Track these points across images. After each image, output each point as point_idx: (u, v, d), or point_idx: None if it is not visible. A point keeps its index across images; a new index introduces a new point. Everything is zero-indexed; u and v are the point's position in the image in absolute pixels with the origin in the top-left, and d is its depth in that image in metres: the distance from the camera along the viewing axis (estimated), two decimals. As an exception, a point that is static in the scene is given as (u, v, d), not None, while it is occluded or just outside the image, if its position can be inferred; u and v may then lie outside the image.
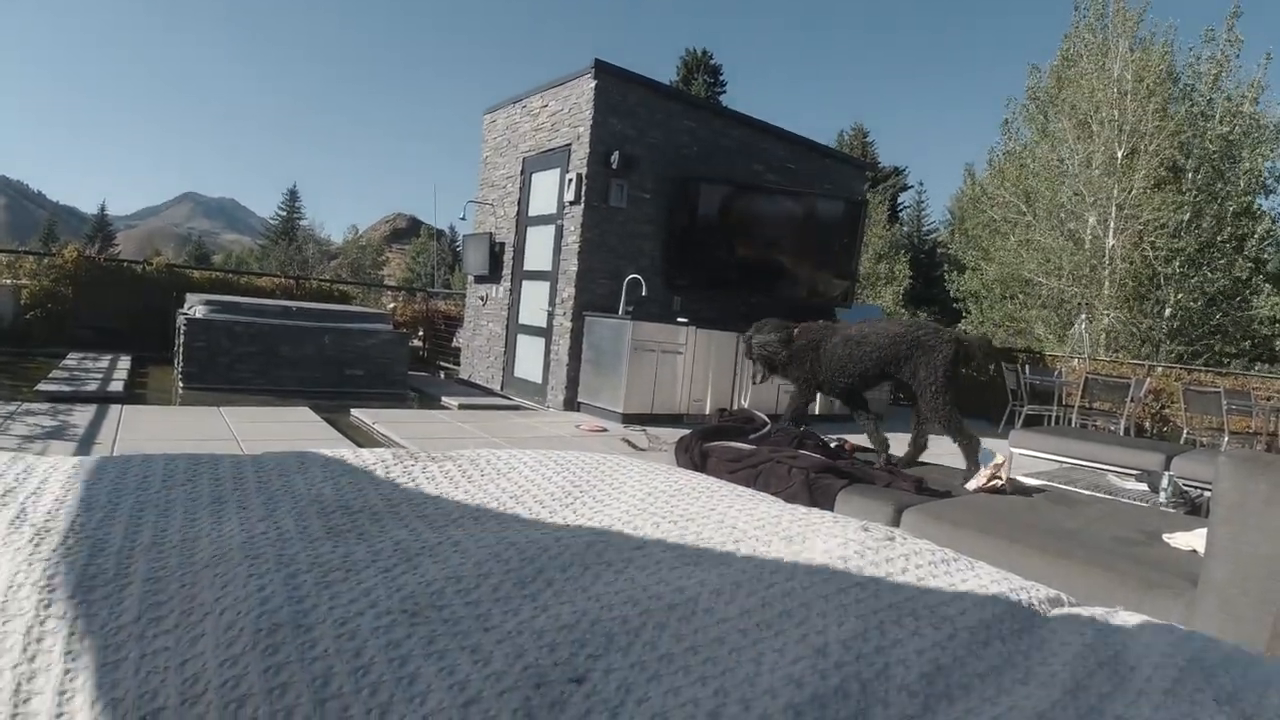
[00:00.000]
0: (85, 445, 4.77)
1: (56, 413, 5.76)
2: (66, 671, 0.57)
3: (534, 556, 0.75)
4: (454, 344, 12.34)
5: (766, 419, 4.33)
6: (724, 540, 0.92)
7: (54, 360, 8.83)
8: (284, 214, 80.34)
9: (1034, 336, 21.79)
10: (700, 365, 8.20)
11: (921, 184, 45.87)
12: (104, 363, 8.73)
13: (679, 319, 8.23)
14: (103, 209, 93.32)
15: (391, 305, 14.22)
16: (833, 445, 4.20)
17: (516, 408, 8.61)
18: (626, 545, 0.83)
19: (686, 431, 4.43)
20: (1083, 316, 19.81)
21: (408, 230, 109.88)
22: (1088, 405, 10.67)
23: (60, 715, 0.52)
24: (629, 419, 7.68)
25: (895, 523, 2.89)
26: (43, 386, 6.80)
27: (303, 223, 79.72)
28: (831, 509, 2.95)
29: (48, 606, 0.64)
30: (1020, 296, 22.38)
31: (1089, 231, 19.51)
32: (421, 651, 0.55)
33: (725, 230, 9.24)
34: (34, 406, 5.96)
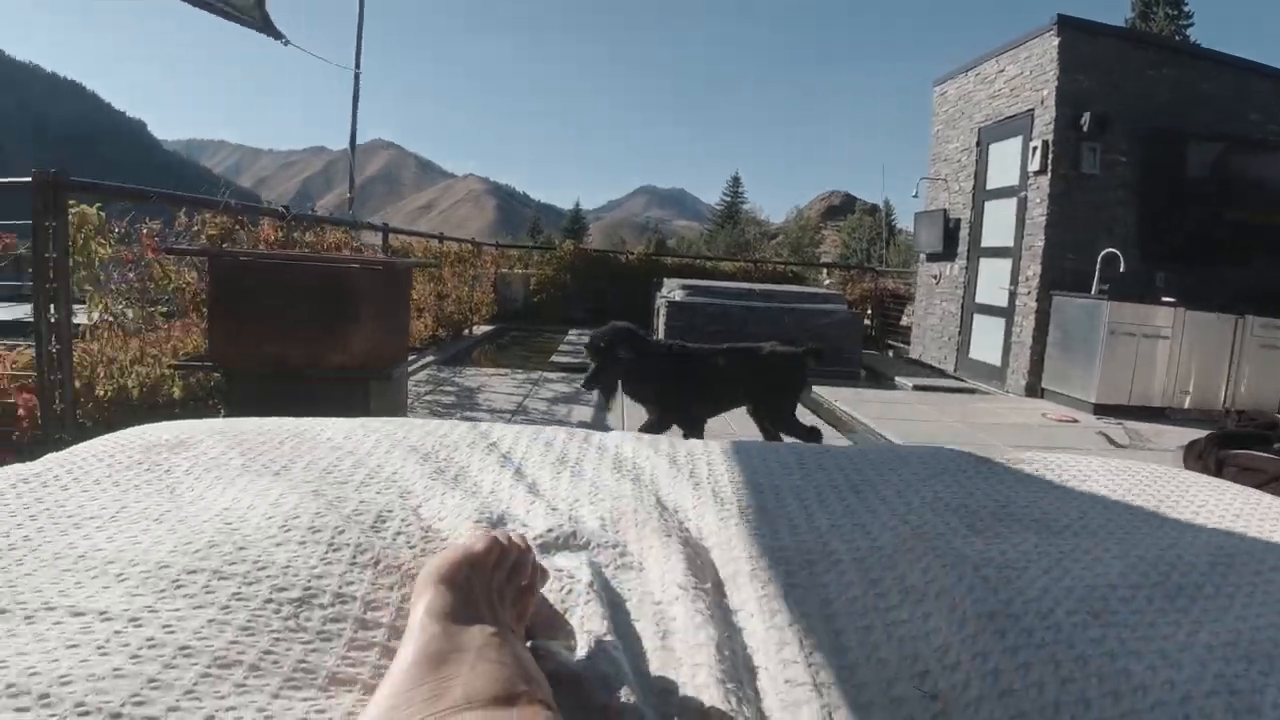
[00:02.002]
0: (600, 410, 5.60)
1: (569, 381, 6.82)
2: (802, 638, 0.76)
3: (1166, 572, 0.83)
4: (902, 322, 12.30)
5: (1296, 420, 3.81)
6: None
7: (558, 336, 10.38)
8: (728, 199, 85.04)
9: None
10: (1185, 352, 7.23)
11: None
12: (597, 339, 10.06)
13: (1163, 299, 7.37)
14: (577, 205, 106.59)
15: (828, 282, 14.52)
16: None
17: (972, 391, 8.41)
18: (1246, 570, 0.87)
19: (1183, 431, 4.05)
20: None
21: (841, 207, 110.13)
22: None
23: (820, 685, 0.69)
24: (1101, 410, 7.07)
25: None
26: (555, 358, 8.09)
27: (744, 206, 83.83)
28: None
29: (765, 585, 0.85)
30: None
31: None
32: (1121, 650, 0.66)
33: (1216, 194, 7.99)
34: (549, 375, 7.14)
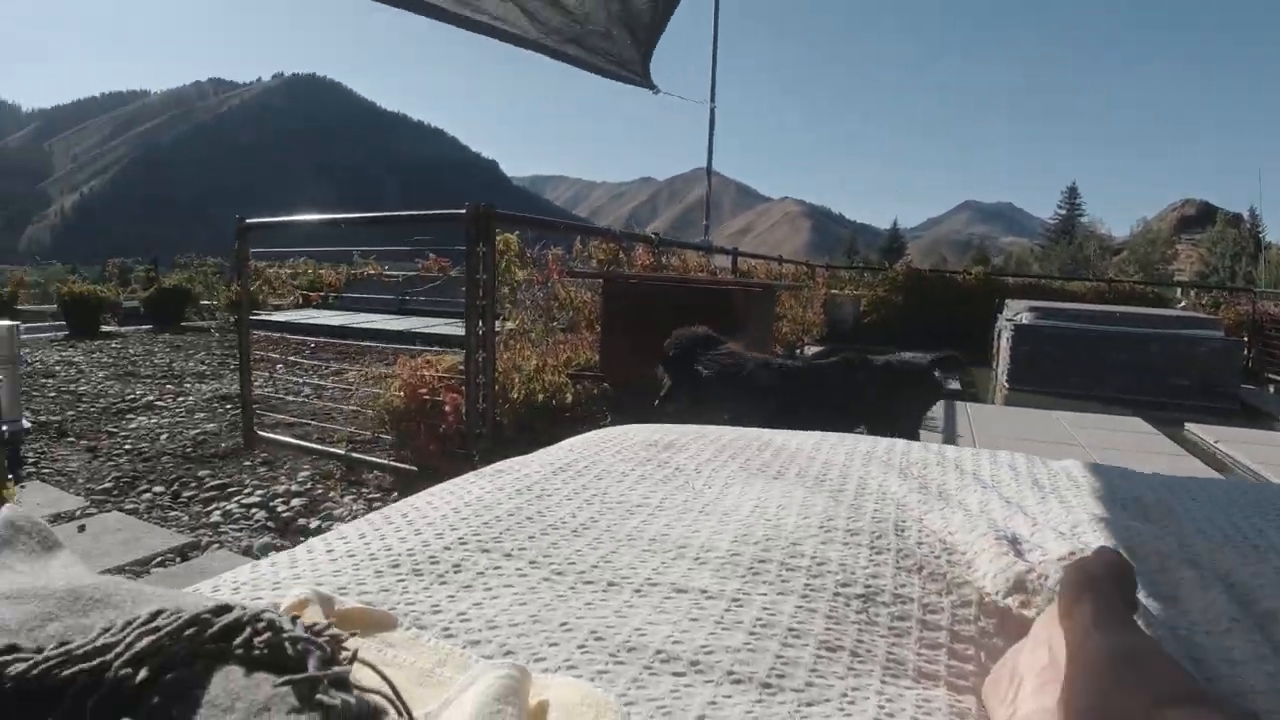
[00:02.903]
0: (949, 436, 5.42)
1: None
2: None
3: None
4: (1290, 352, 10.72)
5: None
6: None
7: (888, 359, 10.15)
8: (1063, 213, 78.99)
9: None
10: None
11: None
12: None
13: None
14: (894, 224, 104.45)
15: (1182, 304, 13.00)
16: None
17: (1388, 437, 7.13)
18: None
19: None
20: None
21: (1198, 218, 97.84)
22: None
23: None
24: None
25: None
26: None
27: (1082, 220, 77.27)
28: None
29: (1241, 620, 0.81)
30: None
31: None
32: None
33: None
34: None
